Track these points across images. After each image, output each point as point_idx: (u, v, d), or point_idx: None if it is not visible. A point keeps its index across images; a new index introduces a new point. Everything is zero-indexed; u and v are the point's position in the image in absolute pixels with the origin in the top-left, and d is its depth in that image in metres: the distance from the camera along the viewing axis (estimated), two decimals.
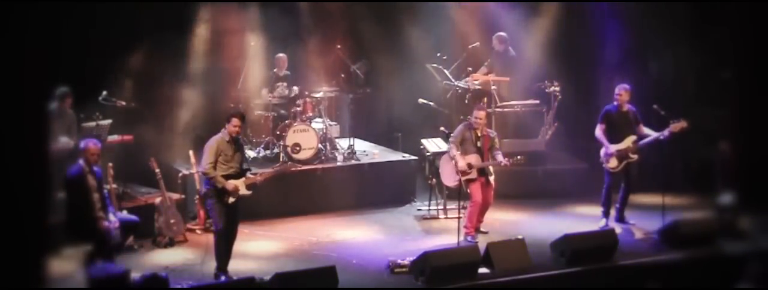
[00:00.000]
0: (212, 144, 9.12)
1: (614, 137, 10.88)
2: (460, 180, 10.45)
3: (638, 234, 10.75)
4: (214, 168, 9.06)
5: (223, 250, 9.21)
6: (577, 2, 13.64)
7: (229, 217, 9.17)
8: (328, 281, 8.64)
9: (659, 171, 11.46)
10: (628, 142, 10.80)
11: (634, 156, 10.81)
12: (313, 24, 13.68)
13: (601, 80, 14.16)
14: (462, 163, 10.34)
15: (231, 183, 9.06)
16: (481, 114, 10.49)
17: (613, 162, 10.85)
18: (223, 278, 9.12)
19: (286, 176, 10.99)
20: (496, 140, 10.70)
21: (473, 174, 10.43)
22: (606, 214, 11.09)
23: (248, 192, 9.22)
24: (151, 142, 11.41)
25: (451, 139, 10.58)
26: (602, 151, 10.96)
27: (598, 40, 13.65)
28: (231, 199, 9.08)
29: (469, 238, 10.42)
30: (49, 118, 9.08)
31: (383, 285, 9.05)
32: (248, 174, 9.32)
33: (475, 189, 10.47)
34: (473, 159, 10.42)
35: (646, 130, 10.88)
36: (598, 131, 10.96)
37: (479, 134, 10.49)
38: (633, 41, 13.45)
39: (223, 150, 9.09)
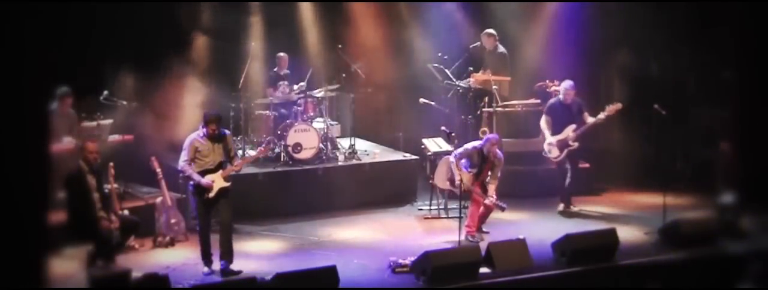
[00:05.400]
0: (188, 141, 9.35)
1: (557, 128, 11.55)
2: (451, 187, 10.84)
3: (639, 234, 10.74)
4: (191, 164, 9.29)
5: (206, 245, 9.43)
6: (577, 2, 13.62)
7: (212, 213, 9.40)
8: (329, 281, 8.63)
9: (659, 171, 11.45)
10: (568, 131, 11.48)
11: (575, 144, 11.46)
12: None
13: (601, 80, 14.16)
14: (458, 178, 10.44)
15: (205, 179, 9.24)
16: (495, 149, 10.50)
17: (554, 152, 11.57)
18: (210, 273, 9.31)
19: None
20: (498, 169, 10.57)
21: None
22: (561, 200, 11.78)
23: (226, 184, 9.36)
24: (152, 141, 11.40)
25: (456, 155, 10.53)
26: (544, 144, 11.62)
27: (599, 39, 13.63)
28: (210, 194, 9.26)
29: (470, 238, 10.43)
30: (50, 117, 9.08)
31: (384, 285, 9.05)
32: (227, 165, 9.45)
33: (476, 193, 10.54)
34: (467, 177, 10.44)
35: (589, 119, 11.45)
36: (543, 122, 11.69)
37: (486, 158, 10.49)
38: (633, 41, 13.43)
39: (198, 146, 9.29)
